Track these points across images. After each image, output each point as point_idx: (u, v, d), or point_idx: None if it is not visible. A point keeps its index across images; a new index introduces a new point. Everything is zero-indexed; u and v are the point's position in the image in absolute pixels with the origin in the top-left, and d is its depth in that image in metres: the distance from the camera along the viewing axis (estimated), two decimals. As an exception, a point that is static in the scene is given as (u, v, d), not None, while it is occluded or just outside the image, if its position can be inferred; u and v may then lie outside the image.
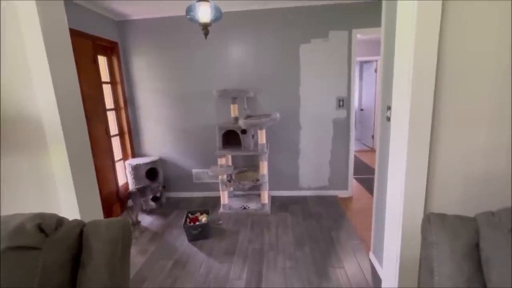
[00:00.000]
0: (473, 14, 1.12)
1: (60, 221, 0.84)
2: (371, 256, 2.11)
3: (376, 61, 5.38)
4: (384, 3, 1.82)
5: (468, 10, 1.12)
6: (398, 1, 1.22)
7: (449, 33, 1.14)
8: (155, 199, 3.24)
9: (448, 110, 1.20)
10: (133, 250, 2.38)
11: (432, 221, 0.84)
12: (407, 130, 1.20)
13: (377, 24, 2.75)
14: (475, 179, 1.24)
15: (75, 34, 2.40)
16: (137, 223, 2.86)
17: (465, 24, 1.13)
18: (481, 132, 1.20)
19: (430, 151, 1.22)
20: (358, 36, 3.03)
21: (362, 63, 6.19)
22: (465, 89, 1.18)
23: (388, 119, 1.73)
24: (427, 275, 0.84)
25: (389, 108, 1.72)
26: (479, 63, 1.15)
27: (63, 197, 1.32)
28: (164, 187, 3.23)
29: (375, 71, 5.47)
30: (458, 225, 0.81)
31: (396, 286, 1.34)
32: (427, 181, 1.24)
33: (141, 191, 2.92)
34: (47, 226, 0.79)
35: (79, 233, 0.85)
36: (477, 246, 0.79)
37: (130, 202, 2.79)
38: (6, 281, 0.69)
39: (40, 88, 1.23)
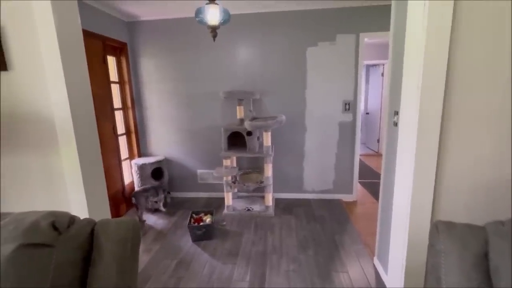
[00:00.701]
0: (488, 14, 1.07)
1: (72, 219, 0.85)
2: (375, 261, 2.10)
3: (383, 64, 5.36)
4: (393, 4, 1.80)
5: (482, 10, 1.07)
6: (409, 1, 1.20)
7: (461, 36, 1.10)
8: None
9: (457, 116, 1.19)
10: (138, 249, 2.40)
11: (440, 229, 0.83)
12: (415, 136, 1.20)
13: (385, 28, 2.74)
14: (482, 186, 1.23)
15: (86, 34, 2.42)
16: (142, 222, 2.88)
17: (478, 26, 1.08)
18: (489, 140, 1.19)
19: (438, 158, 1.21)
20: (366, 39, 3.03)
21: (368, 67, 6.17)
22: (475, 95, 1.16)
23: (395, 124, 1.72)
24: (434, 283, 0.84)
25: (396, 113, 1.71)
26: (490, 69, 1.14)
27: (73, 195, 1.34)
28: (169, 192, 3.23)
29: (382, 74, 5.45)
30: (467, 234, 0.80)
31: (401, 292, 1.33)
32: (435, 188, 1.24)
33: (146, 191, 2.94)
34: (60, 224, 0.80)
35: (90, 232, 0.87)
36: (486, 255, 0.78)
37: (133, 200, 2.82)
38: (20, 278, 0.71)
39: (53, 87, 1.25)
